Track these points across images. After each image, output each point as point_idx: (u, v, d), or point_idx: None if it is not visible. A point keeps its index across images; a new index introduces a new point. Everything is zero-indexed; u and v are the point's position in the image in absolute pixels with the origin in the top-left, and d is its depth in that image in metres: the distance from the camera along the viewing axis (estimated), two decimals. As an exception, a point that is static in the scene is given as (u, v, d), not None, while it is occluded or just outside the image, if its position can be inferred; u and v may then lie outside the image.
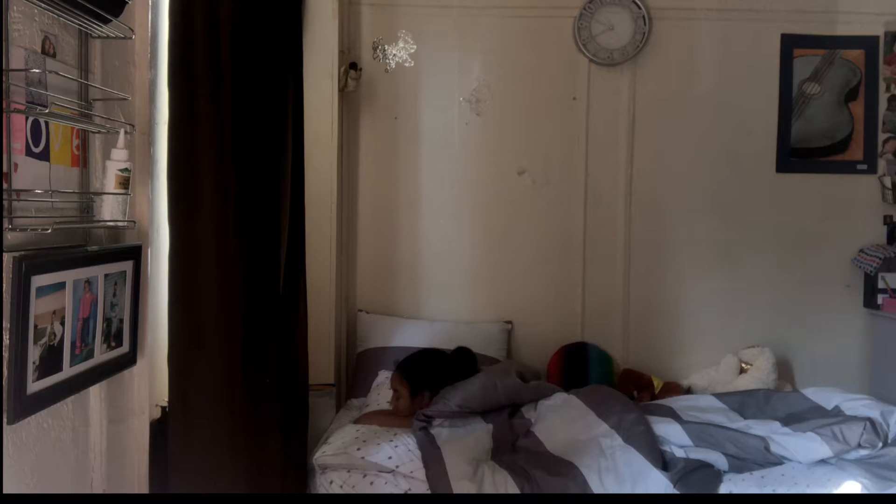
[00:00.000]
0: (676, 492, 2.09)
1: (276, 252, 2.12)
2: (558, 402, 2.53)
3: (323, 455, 2.25)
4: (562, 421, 2.44)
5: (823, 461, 2.20)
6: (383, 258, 3.24)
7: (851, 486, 2.06)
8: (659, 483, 2.12)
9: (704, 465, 2.21)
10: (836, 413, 2.42)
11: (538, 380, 2.81)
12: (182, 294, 1.76)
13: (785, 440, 2.21)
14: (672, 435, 2.31)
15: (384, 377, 2.86)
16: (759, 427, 2.33)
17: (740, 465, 2.22)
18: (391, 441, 2.25)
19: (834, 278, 3.22)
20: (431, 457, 2.20)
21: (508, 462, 2.27)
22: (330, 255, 2.88)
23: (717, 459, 2.24)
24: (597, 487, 2.13)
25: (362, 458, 2.19)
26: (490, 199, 3.23)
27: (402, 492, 2.16)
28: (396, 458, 2.20)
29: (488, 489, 2.13)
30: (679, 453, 2.26)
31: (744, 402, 2.58)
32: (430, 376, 2.57)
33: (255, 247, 1.99)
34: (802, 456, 2.18)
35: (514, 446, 2.40)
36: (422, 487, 2.16)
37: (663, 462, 2.22)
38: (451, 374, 2.57)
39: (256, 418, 1.99)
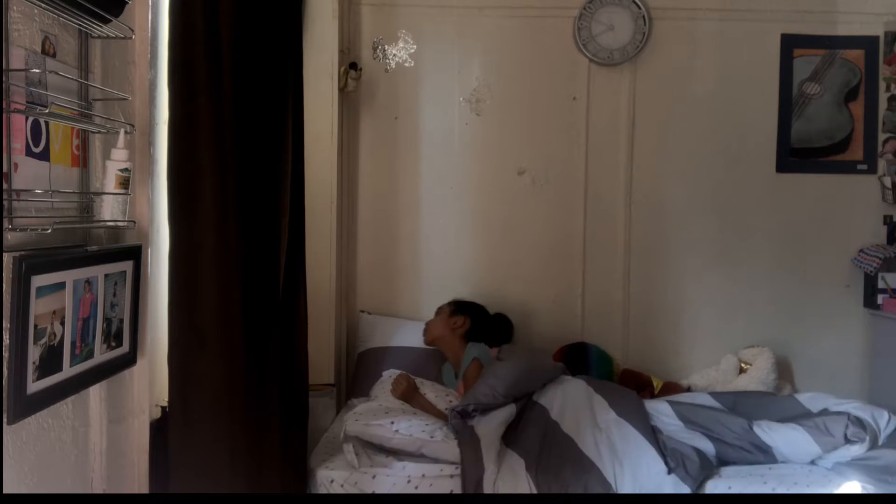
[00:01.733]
0: (673, 476, 2.14)
1: (276, 252, 2.12)
2: (564, 379, 2.61)
3: (354, 423, 2.29)
4: (564, 394, 2.50)
5: (820, 462, 2.21)
6: (383, 258, 3.24)
7: (852, 488, 2.07)
8: (655, 464, 2.17)
9: (698, 451, 2.23)
10: (823, 413, 2.43)
11: None
12: (182, 294, 1.76)
13: (768, 425, 2.29)
14: (661, 410, 2.41)
15: (387, 376, 2.86)
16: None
17: (728, 450, 2.27)
18: (423, 420, 2.34)
19: (834, 278, 3.22)
20: (465, 437, 2.28)
21: (513, 439, 2.34)
22: (330, 255, 2.88)
23: (705, 446, 2.27)
24: (596, 459, 2.21)
25: (396, 431, 2.25)
26: (490, 199, 3.22)
27: (411, 483, 2.18)
28: (430, 431, 2.28)
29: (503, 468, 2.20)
30: (669, 429, 2.32)
31: (737, 402, 2.59)
32: (475, 312, 2.93)
33: (256, 247, 1.99)
34: (784, 443, 2.24)
35: (521, 417, 2.47)
36: (436, 469, 2.20)
37: (658, 445, 2.26)
38: (490, 327, 2.93)
39: (256, 418, 1.99)
